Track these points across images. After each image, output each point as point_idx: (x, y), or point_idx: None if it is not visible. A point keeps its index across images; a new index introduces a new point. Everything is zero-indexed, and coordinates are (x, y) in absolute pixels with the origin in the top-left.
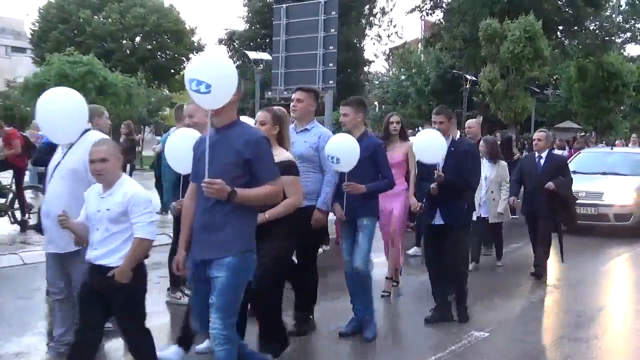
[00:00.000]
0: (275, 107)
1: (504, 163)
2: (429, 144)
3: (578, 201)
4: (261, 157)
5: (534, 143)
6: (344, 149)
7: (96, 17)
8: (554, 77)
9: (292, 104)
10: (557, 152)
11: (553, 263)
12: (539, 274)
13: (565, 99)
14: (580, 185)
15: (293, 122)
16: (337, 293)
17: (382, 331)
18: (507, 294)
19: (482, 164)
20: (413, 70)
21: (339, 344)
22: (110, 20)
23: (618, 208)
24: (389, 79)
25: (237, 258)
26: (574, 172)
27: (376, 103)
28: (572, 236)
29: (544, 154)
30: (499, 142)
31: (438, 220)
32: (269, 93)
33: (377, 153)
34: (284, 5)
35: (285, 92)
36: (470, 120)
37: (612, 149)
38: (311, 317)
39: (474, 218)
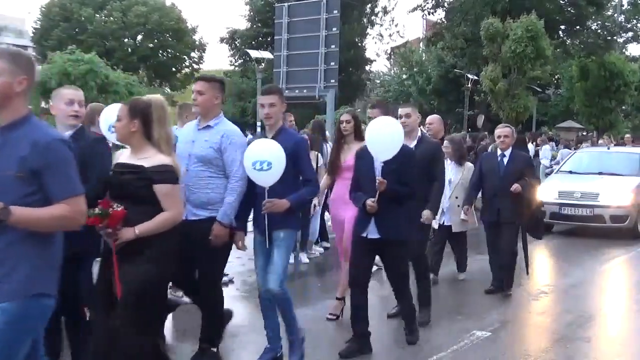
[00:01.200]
0: (140, 97)
1: (470, 165)
2: (385, 137)
3: (574, 202)
4: (52, 167)
5: (499, 140)
6: (275, 153)
7: (98, 15)
8: (556, 77)
9: (193, 97)
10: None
11: (552, 264)
12: (507, 287)
13: (567, 98)
14: (575, 185)
15: (197, 117)
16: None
17: (383, 331)
18: (508, 295)
19: (445, 165)
20: (414, 70)
21: (339, 339)
22: (112, 18)
23: (614, 209)
24: (391, 78)
25: (17, 303)
26: (570, 172)
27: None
28: (568, 237)
29: (507, 152)
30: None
31: (373, 233)
32: None
33: (296, 151)
34: (286, 4)
35: (287, 91)
36: (432, 115)
37: (608, 148)
38: (215, 350)
39: (435, 226)
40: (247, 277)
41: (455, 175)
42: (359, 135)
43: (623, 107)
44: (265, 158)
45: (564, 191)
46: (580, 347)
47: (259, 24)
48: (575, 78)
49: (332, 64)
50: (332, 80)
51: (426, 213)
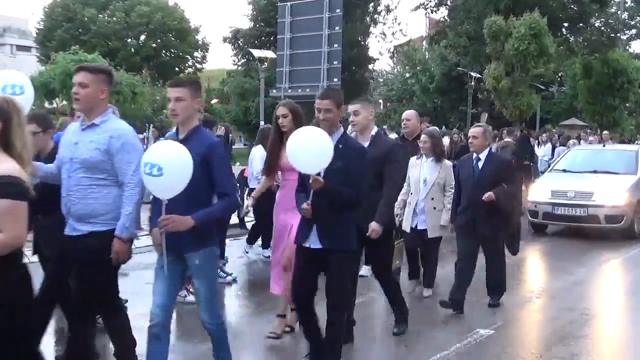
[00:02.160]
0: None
1: (448, 163)
2: (306, 150)
3: (567, 202)
4: None
5: (469, 142)
6: (169, 157)
7: (101, 15)
8: (559, 74)
9: (73, 90)
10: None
11: (552, 264)
12: (496, 303)
13: (570, 96)
14: (569, 184)
15: (80, 116)
16: None
17: (388, 329)
18: (512, 292)
19: (421, 163)
20: (418, 68)
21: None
22: (115, 18)
23: (609, 209)
24: (394, 77)
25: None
26: (564, 170)
27: (381, 101)
28: (561, 238)
29: (483, 155)
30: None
31: (315, 242)
32: (274, 91)
33: (209, 157)
34: (289, 3)
35: (289, 90)
36: (408, 111)
37: (604, 145)
38: None
39: (407, 230)
40: (250, 276)
41: (432, 174)
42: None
43: (627, 105)
44: (156, 161)
45: (557, 190)
46: (583, 345)
47: (262, 23)
48: (578, 75)
49: (335, 62)
50: (335, 79)
51: (372, 226)
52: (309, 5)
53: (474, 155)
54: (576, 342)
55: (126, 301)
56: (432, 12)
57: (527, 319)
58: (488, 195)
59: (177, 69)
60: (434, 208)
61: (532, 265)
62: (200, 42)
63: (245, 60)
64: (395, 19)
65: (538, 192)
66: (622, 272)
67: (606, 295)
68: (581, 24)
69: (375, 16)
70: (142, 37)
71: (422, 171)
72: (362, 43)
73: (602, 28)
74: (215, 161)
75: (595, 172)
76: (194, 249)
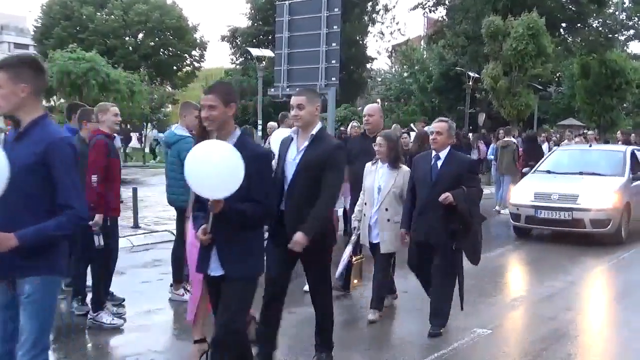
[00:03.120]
0: None
1: (406, 169)
2: (211, 171)
3: (550, 205)
4: None
5: (431, 138)
6: None
7: (99, 13)
8: (557, 75)
9: None
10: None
11: (552, 263)
12: (437, 325)
13: (568, 96)
14: (553, 186)
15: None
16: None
17: (385, 328)
18: (510, 291)
19: (376, 169)
20: (416, 68)
21: (340, 336)
22: (113, 17)
23: (595, 213)
24: (392, 76)
25: None
26: (548, 171)
27: (379, 100)
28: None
29: (443, 154)
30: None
31: (215, 269)
32: (272, 90)
33: (48, 158)
34: (287, 2)
35: (287, 90)
36: (371, 105)
37: (590, 145)
38: None
39: (366, 244)
40: None
41: (387, 181)
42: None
43: (624, 105)
44: None
45: (541, 193)
46: (584, 345)
47: (260, 22)
48: (576, 76)
49: (333, 62)
50: (333, 79)
51: (296, 237)
52: (308, 4)
53: (433, 153)
54: (574, 341)
55: (123, 300)
56: (430, 12)
57: (525, 318)
58: (445, 196)
59: (175, 67)
60: (388, 220)
61: (527, 266)
62: (198, 41)
63: (243, 59)
64: (394, 18)
65: (520, 194)
66: (612, 275)
67: (607, 295)
68: (579, 25)
69: (374, 15)
70: (140, 36)
71: (376, 178)
72: (361, 42)
73: (600, 28)
74: (58, 165)
75: (581, 173)
76: (26, 272)
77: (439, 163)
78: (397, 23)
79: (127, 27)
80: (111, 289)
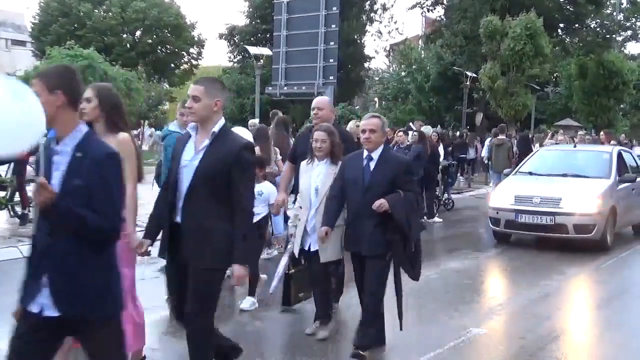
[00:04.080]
0: None
1: None
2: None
3: (532, 209)
4: None
5: (363, 137)
6: None
7: (97, 10)
8: (555, 75)
9: None
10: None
11: (553, 262)
12: (366, 347)
13: (565, 96)
14: (535, 189)
15: None
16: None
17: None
18: (505, 291)
19: (312, 168)
20: (413, 67)
21: (338, 335)
22: (110, 14)
23: (578, 217)
24: (389, 76)
25: None
26: (530, 173)
27: (376, 99)
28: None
29: (376, 154)
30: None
31: (49, 309)
32: (269, 88)
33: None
34: (285, 1)
35: (285, 88)
36: (320, 97)
37: (575, 146)
38: None
39: (296, 252)
40: None
41: (325, 180)
42: (112, 125)
43: (621, 106)
44: None
45: (521, 196)
46: (580, 344)
47: (258, 21)
48: (574, 76)
49: (331, 60)
50: (331, 77)
51: (235, 271)
52: (306, 2)
53: (365, 153)
54: (570, 341)
55: None
56: (428, 11)
57: (520, 318)
58: (379, 203)
59: (172, 65)
60: None
61: (526, 265)
62: (196, 39)
63: (241, 57)
64: (392, 17)
65: (500, 197)
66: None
67: (606, 294)
68: (577, 25)
69: (372, 14)
70: (138, 33)
71: (312, 178)
72: (358, 41)
73: (598, 29)
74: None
75: (564, 175)
76: None
77: (372, 165)
78: (395, 22)
79: (125, 25)
80: None
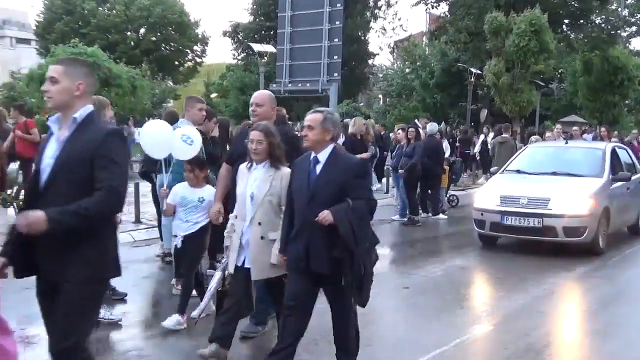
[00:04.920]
0: None
1: (287, 171)
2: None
3: (518, 210)
4: None
5: (302, 134)
6: None
7: (101, 8)
8: (559, 71)
9: None
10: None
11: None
12: None
13: (570, 92)
14: (522, 188)
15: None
16: None
17: (387, 324)
18: (512, 288)
19: (249, 172)
20: (418, 64)
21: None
22: (114, 11)
23: (568, 219)
24: (394, 72)
25: None
26: (518, 171)
27: (380, 96)
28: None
29: (323, 155)
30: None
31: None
32: (273, 85)
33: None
34: None
35: (289, 85)
36: (260, 92)
37: (566, 142)
38: None
39: (231, 270)
40: None
41: (261, 186)
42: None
43: (627, 102)
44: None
45: (508, 196)
46: (586, 341)
47: (262, 17)
48: (578, 72)
49: (335, 57)
50: (335, 74)
51: (32, 215)
52: None
53: (312, 155)
54: (576, 338)
55: (125, 295)
56: (432, 8)
57: (527, 315)
58: (324, 215)
59: (176, 62)
60: (262, 237)
61: (538, 261)
62: (200, 36)
63: (245, 54)
64: (396, 14)
65: (485, 197)
66: (628, 268)
67: (613, 292)
68: (582, 21)
69: (376, 11)
70: (142, 31)
71: (249, 184)
72: (363, 38)
73: (603, 25)
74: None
75: (554, 173)
76: None
77: (318, 168)
78: (399, 19)
79: (129, 22)
80: (113, 283)
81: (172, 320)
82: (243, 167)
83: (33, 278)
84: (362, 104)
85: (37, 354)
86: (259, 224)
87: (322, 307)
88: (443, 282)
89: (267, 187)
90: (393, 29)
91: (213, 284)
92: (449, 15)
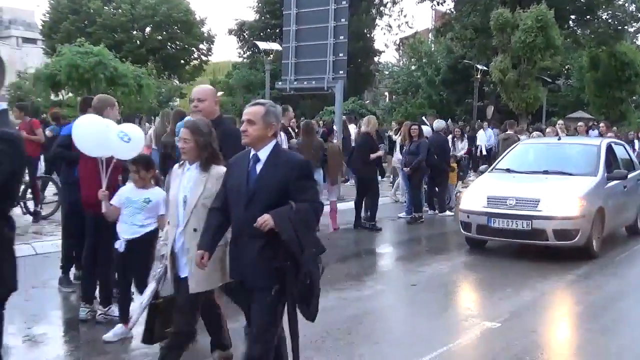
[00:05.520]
0: None
1: (220, 170)
2: None
3: (506, 212)
4: None
5: (242, 129)
6: None
7: (106, 7)
8: (566, 67)
9: None
10: None
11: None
12: None
13: (577, 88)
14: (510, 189)
15: None
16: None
17: (395, 321)
18: (518, 285)
19: (182, 173)
20: (423, 60)
21: (350, 330)
22: (120, 11)
23: (559, 222)
24: (400, 69)
25: None
26: (507, 170)
27: (386, 93)
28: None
29: (264, 153)
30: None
31: None
32: (279, 83)
33: None
34: None
35: (295, 83)
36: (202, 87)
37: (559, 139)
38: None
39: (159, 290)
40: None
41: (195, 189)
42: None
43: (634, 97)
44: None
45: (495, 197)
46: (593, 338)
47: (268, 16)
48: (585, 68)
49: (341, 55)
50: (341, 72)
51: None
52: None
53: (251, 152)
54: (583, 335)
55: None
56: (438, 4)
57: (533, 312)
58: (263, 220)
59: (182, 61)
60: (187, 249)
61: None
62: (205, 35)
63: (250, 52)
64: (401, 11)
65: (471, 198)
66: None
67: (620, 287)
68: (588, 16)
69: (381, 8)
70: (148, 29)
71: (182, 186)
72: (368, 35)
73: (610, 20)
74: None
75: (546, 172)
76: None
77: (258, 167)
78: (404, 16)
79: (135, 21)
80: None
81: (113, 332)
82: (176, 167)
83: (40, 277)
84: (368, 101)
85: (42, 352)
86: (194, 230)
87: (328, 304)
88: (450, 279)
89: (200, 190)
90: (399, 26)
91: (145, 296)
92: (454, 12)
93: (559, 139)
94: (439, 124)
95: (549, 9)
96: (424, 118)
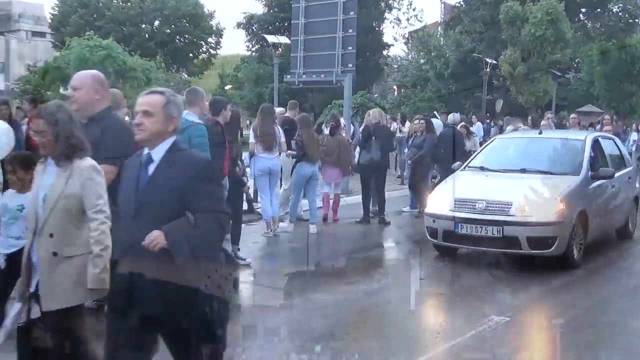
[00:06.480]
0: None
1: (89, 163)
2: None
3: (475, 217)
4: None
5: (136, 122)
6: None
7: (115, 1)
8: (576, 60)
9: None
10: None
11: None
12: None
13: (587, 82)
14: (481, 190)
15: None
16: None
17: (403, 314)
18: (528, 279)
19: (43, 170)
20: (432, 54)
21: (358, 324)
22: (129, 4)
23: (533, 228)
24: (408, 63)
25: None
26: (481, 168)
27: (395, 87)
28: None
29: (157, 152)
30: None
31: None
32: (288, 77)
33: None
34: None
35: (304, 76)
36: (80, 73)
37: (540, 133)
38: None
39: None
40: (264, 262)
41: (55, 187)
42: None
43: None
44: None
45: (463, 199)
46: (603, 332)
47: (276, 9)
48: (595, 62)
49: (350, 48)
50: (350, 65)
51: None
52: None
53: (145, 151)
54: (592, 329)
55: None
56: None
57: (543, 306)
58: (152, 238)
59: (191, 54)
60: (55, 254)
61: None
62: (214, 28)
63: (259, 46)
64: (410, 4)
65: (438, 200)
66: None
67: (628, 282)
68: (599, 10)
69: (390, 2)
70: (156, 23)
71: (41, 185)
72: (377, 29)
73: (620, 13)
74: None
75: (523, 171)
76: None
77: (151, 169)
78: (414, 9)
79: (144, 15)
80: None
81: None
82: (39, 166)
83: None
84: (376, 95)
85: None
86: (51, 235)
87: (338, 297)
88: (459, 272)
89: (61, 188)
90: (408, 19)
91: (9, 319)
92: (464, 5)
93: (540, 132)
94: (454, 117)
95: (560, 2)
96: (435, 112)
